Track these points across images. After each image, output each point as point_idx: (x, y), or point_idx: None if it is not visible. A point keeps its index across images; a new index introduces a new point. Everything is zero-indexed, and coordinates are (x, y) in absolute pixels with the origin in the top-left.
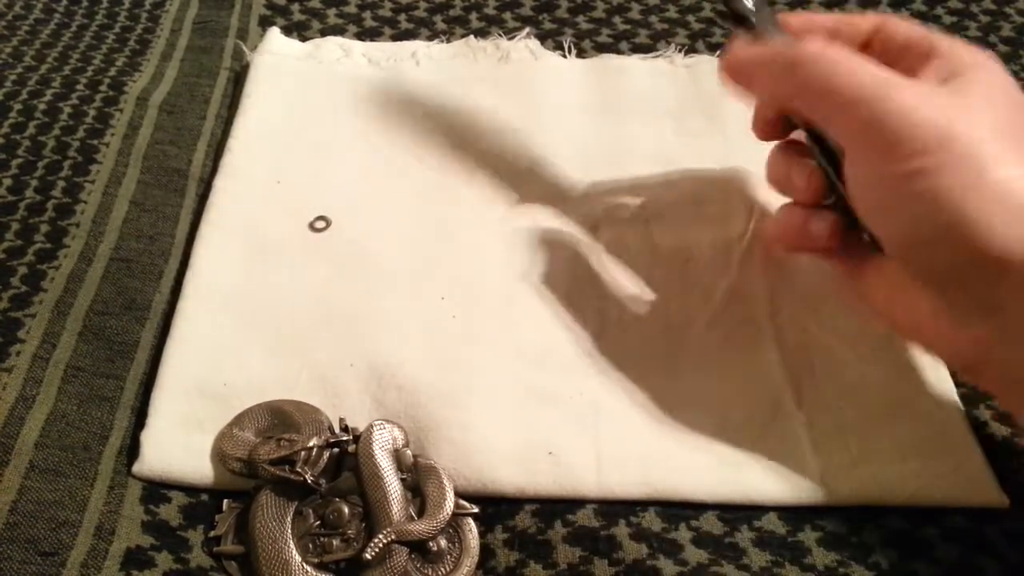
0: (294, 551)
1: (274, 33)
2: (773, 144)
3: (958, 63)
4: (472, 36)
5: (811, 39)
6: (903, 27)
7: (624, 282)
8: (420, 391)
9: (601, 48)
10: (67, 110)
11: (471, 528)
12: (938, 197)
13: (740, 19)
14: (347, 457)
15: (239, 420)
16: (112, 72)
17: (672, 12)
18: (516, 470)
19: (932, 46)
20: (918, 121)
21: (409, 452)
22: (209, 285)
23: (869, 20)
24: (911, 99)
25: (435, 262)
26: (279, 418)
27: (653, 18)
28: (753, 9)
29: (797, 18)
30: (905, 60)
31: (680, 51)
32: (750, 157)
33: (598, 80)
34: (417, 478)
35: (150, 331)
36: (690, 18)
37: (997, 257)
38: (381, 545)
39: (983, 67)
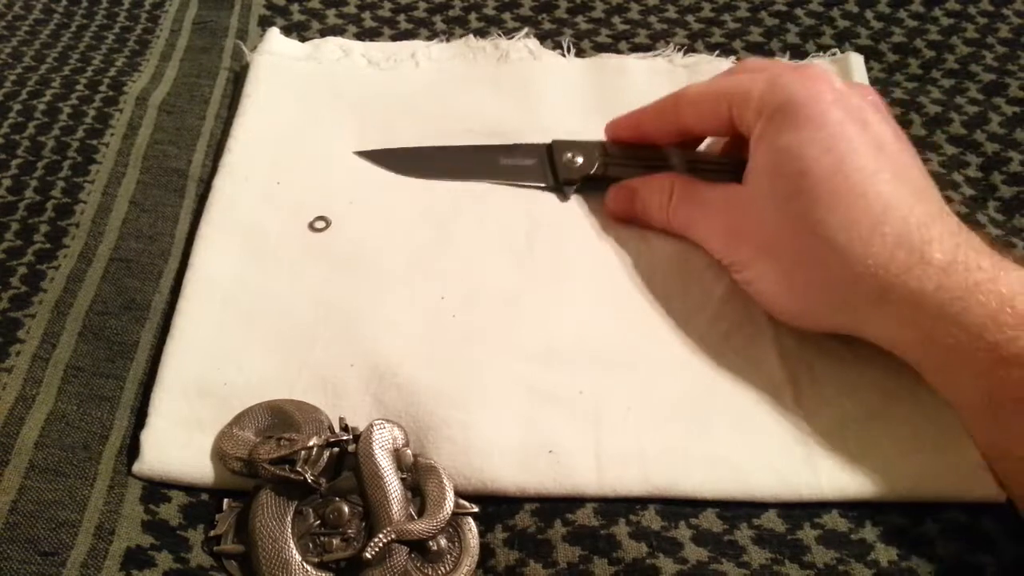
0: (294, 550)
1: (274, 33)
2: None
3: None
4: (471, 36)
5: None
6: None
7: (624, 282)
8: (420, 390)
9: (600, 48)
10: (66, 110)
11: (471, 527)
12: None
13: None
14: (347, 456)
15: (239, 420)
16: (112, 72)
17: (671, 12)
18: (516, 469)
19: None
20: None
21: (409, 451)
22: (209, 285)
23: (667, 105)
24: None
25: (435, 261)
26: (279, 417)
27: (652, 18)
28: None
29: (617, 127)
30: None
31: (679, 51)
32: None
33: (597, 80)
34: (417, 477)
35: (150, 331)
36: (689, 18)
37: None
38: (381, 544)
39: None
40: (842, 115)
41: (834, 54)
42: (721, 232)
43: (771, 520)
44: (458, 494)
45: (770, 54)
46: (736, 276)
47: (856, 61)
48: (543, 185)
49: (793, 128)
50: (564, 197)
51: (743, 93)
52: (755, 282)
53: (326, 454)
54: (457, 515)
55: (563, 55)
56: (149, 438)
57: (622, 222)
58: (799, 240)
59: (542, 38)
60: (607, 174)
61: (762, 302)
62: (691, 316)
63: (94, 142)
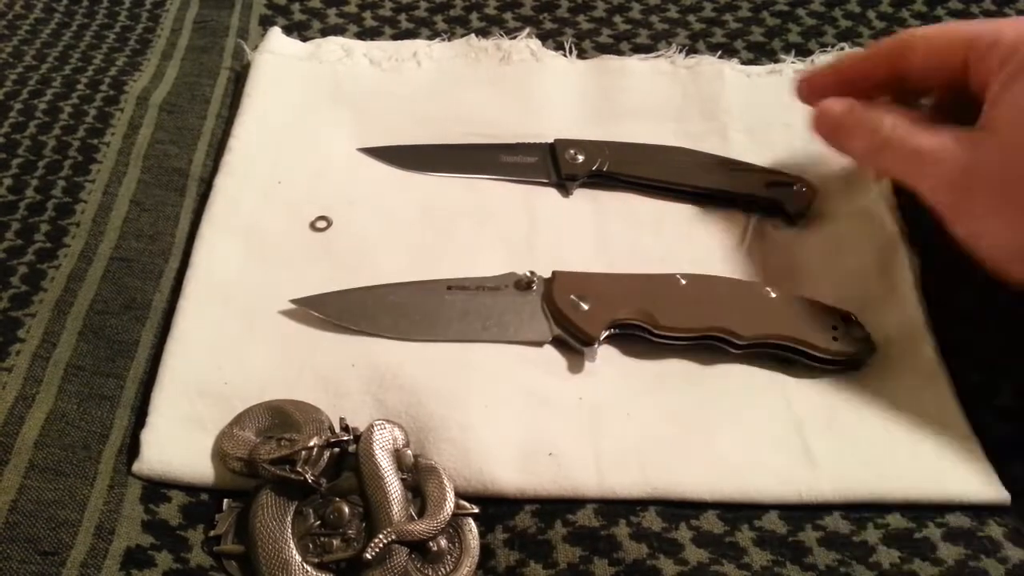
0: (294, 551)
1: (275, 33)
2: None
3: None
4: (473, 36)
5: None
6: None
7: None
8: (421, 391)
9: (602, 48)
10: (67, 109)
11: (471, 528)
12: None
13: None
14: (347, 457)
15: (239, 419)
16: (112, 72)
17: (673, 12)
18: (516, 470)
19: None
20: None
21: (409, 452)
22: (210, 284)
23: (888, 45)
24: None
25: (436, 261)
26: (280, 418)
27: (654, 18)
28: None
29: (814, 76)
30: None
31: (681, 51)
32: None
33: (599, 81)
34: (417, 478)
35: (150, 330)
36: (691, 18)
37: None
38: (381, 545)
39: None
40: None
41: (841, 50)
42: (950, 179)
43: (772, 522)
44: (458, 495)
45: (772, 54)
46: (958, 228)
47: None
48: (545, 181)
49: None
50: (566, 193)
51: (991, 37)
52: (985, 236)
53: (326, 454)
54: (457, 516)
55: (564, 55)
56: (149, 437)
57: (826, 140)
58: None
59: (543, 38)
60: (609, 171)
61: (989, 257)
62: None
63: (95, 141)
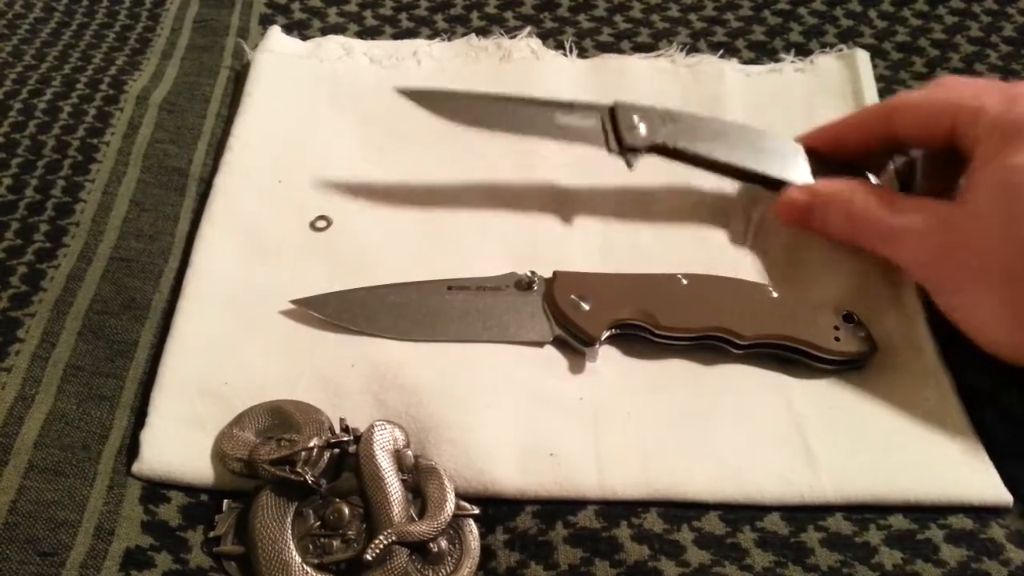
0: (294, 552)
1: (275, 32)
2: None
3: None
4: (474, 35)
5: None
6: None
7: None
8: (421, 392)
9: (602, 47)
10: (67, 109)
11: (472, 529)
12: None
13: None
14: (348, 457)
15: (239, 420)
16: (112, 71)
17: (674, 11)
18: (517, 471)
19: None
20: None
21: (410, 453)
22: (210, 284)
23: (876, 113)
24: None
25: (436, 261)
26: (279, 418)
27: (654, 16)
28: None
29: (813, 140)
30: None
31: (682, 50)
32: None
33: (599, 79)
34: (418, 479)
35: (150, 330)
36: (692, 17)
37: None
38: (382, 546)
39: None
40: None
41: (840, 51)
42: (929, 252)
43: (774, 523)
44: (459, 495)
45: (773, 53)
46: (939, 300)
47: (863, 58)
48: (604, 149)
49: None
50: (629, 165)
51: (973, 107)
52: (966, 309)
53: (326, 455)
54: (458, 517)
55: (565, 54)
56: (149, 438)
57: (794, 227)
58: None
59: (544, 36)
60: (675, 145)
61: (971, 331)
62: None
63: (94, 141)
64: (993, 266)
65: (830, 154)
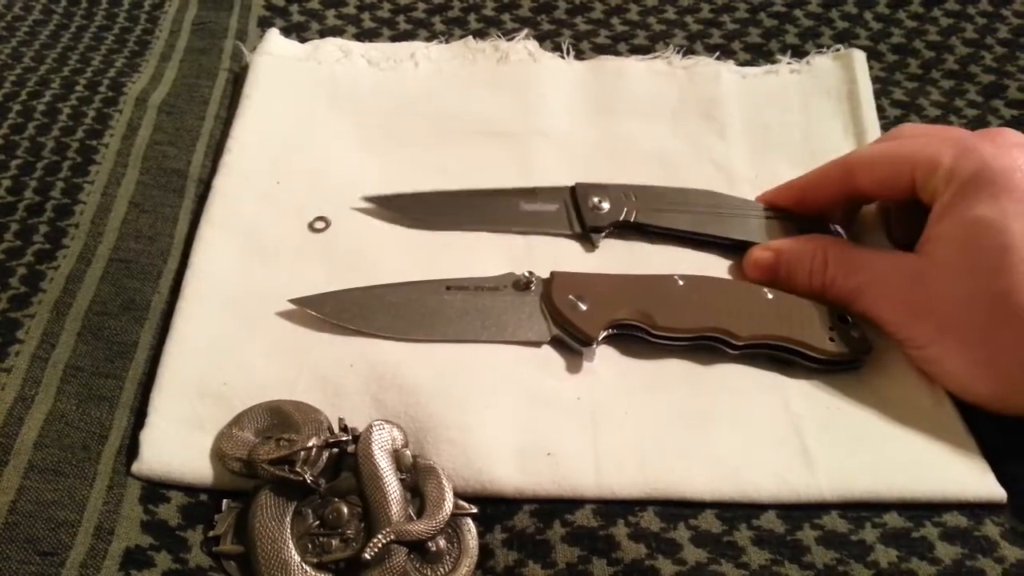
0: (293, 551)
1: (273, 34)
2: None
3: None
4: (471, 37)
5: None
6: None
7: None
8: (420, 391)
9: (599, 49)
10: (66, 111)
11: (470, 528)
12: None
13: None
14: (346, 457)
15: (239, 420)
16: (111, 73)
17: (670, 13)
18: (515, 470)
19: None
20: None
21: (408, 452)
22: (209, 285)
23: (835, 171)
24: None
25: (434, 262)
26: (279, 418)
27: (651, 19)
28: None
29: (775, 198)
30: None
31: (678, 52)
32: (745, 157)
33: (596, 81)
34: (416, 478)
35: (149, 331)
36: (688, 19)
37: None
38: (380, 545)
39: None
40: None
41: (837, 51)
42: (896, 305)
43: (771, 521)
44: (457, 495)
45: (769, 55)
46: (913, 353)
47: (859, 58)
48: (568, 233)
49: (991, 199)
50: (591, 247)
51: (930, 159)
52: (939, 361)
53: (325, 455)
54: (456, 516)
55: (562, 57)
56: (148, 438)
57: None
58: (1000, 319)
59: (541, 39)
60: (637, 220)
61: (946, 382)
62: None
63: (93, 143)
64: (961, 318)
65: (794, 210)
